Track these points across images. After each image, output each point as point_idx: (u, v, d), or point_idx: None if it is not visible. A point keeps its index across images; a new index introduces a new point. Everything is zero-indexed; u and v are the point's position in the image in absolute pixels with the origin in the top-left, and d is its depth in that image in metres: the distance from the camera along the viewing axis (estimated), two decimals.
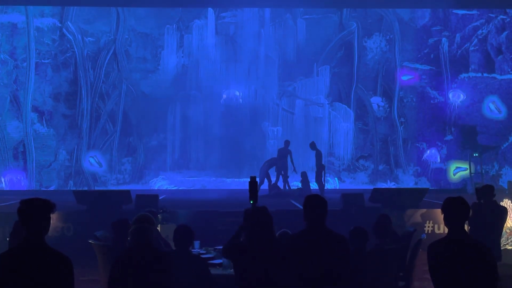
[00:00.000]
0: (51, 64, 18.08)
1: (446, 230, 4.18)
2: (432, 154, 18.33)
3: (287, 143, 16.23)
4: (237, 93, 18.17)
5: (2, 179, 17.71)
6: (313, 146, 15.96)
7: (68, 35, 18.11)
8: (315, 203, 4.53)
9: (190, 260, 5.24)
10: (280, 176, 16.00)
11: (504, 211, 8.30)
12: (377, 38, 18.59)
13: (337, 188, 17.68)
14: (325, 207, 4.50)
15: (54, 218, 10.63)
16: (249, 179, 5.51)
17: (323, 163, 15.93)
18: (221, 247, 7.16)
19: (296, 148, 16.79)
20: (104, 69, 18.20)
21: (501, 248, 9.74)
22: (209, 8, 18.41)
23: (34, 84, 17.92)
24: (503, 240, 10.09)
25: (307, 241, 4.43)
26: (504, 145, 18.35)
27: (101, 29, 18.32)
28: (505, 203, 10.45)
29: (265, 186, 15.73)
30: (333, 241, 4.43)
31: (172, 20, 18.42)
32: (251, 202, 5.14)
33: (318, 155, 15.85)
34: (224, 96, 18.01)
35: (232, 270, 6.11)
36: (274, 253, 4.64)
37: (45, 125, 17.97)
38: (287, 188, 15.92)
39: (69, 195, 12.51)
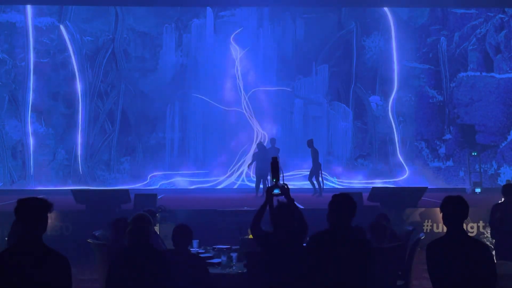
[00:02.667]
0: (49, 63, 18.06)
1: (445, 229, 4.19)
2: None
3: (273, 141, 16.17)
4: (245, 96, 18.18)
5: None
6: (310, 143, 15.87)
7: (67, 34, 18.09)
8: (342, 202, 4.51)
9: (188, 259, 5.24)
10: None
11: None
12: (376, 37, 18.58)
13: (336, 187, 17.67)
14: (353, 207, 4.49)
15: (52, 217, 10.66)
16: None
17: (319, 161, 15.88)
18: (219, 246, 7.20)
19: (295, 147, 16.79)
20: (102, 68, 18.19)
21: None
22: (208, 7, 18.40)
23: (32, 83, 17.90)
24: None
25: (329, 241, 4.43)
26: (503, 144, 18.37)
27: (99, 28, 18.31)
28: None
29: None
30: (356, 242, 4.45)
31: (170, 19, 18.40)
32: (274, 180, 5.20)
33: (315, 153, 15.77)
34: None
35: (230, 269, 6.12)
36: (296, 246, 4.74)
37: (43, 124, 17.96)
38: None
39: (67, 194, 12.51)
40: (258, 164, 15.57)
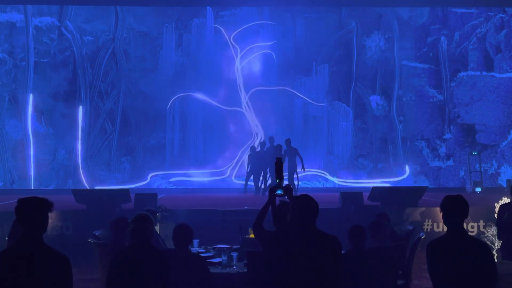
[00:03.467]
0: (49, 63, 18.07)
1: (445, 228, 4.19)
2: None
3: (272, 140, 16.03)
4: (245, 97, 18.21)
5: None
6: (288, 143, 15.68)
7: (67, 34, 18.10)
8: (303, 204, 4.37)
9: (189, 259, 5.23)
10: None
11: None
12: (376, 37, 18.58)
13: (336, 186, 17.68)
14: (314, 207, 4.33)
15: (53, 217, 10.67)
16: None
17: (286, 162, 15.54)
18: (220, 246, 7.21)
19: (295, 147, 16.72)
20: (103, 68, 18.19)
21: (499, 247, 9.73)
22: (208, 7, 18.40)
23: (32, 83, 17.90)
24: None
25: (296, 244, 4.28)
26: (503, 144, 18.37)
27: (99, 28, 18.31)
28: (504, 201, 10.46)
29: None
30: (323, 243, 4.28)
31: (170, 19, 18.40)
32: (277, 180, 5.20)
33: (291, 153, 15.50)
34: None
35: (230, 269, 6.13)
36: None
37: (44, 124, 17.96)
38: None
39: (68, 194, 12.51)
40: (256, 163, 15.61)
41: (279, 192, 5.11)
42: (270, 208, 5.10)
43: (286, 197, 5.12)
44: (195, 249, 6.91)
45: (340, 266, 4.29)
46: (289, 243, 4.31)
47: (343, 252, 5.68)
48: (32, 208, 3.46)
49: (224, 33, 18.36)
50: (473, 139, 18.37)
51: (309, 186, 17.38)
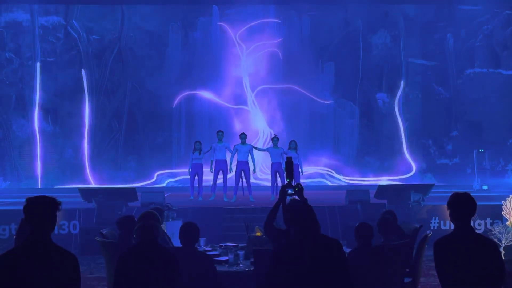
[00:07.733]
0: (56, 62, 18.11)
1: (452, 226, 4.18)
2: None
3: (276, 140, 15.23)
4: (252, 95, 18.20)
5: None
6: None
7: (73, 33, 18.14)
8: (298, 208, 4.34)
9: (196, 257, 5.25)
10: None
11: None
12: (382, 34, 18.53)
13: (342, 184, 17.64)
14: (311, 212, 4.29)
15: (60, 215, 10.71)
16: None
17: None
18: (226, 244, 7.22)
19: (301, 145, 16.72)
20: (109, 67, 18.22)
21: (506, 244, 9.73)
22: (214, 5, 18.40)
23: (39, 82, 17.95)
24: (508, 236, 10.08)
25: (296, 250, 4.18)
26: (510, 141, 18.29)
27: (105, 27, 18.34)
28: None
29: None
30: (326, 247, 4.19)
31: (176, 18, 18.41)
32: (287, 180, 5.25)
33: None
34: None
35: (237, 267, 6.14)
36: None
37: (50, 123, 18.01)
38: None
39: (75, 192, 12.55)
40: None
41: (289, 191, 5.16)
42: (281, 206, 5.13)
43: (296, 196, 5.15)
44: (201, 247, 6.92)
45: (344, 269, 4.22)
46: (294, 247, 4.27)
47: (349, 250, 5.69)
48: (40, 207, 3.47)
49: (230, 31, 18.36)
50: (480, 136, 18.29)
51: (315, 184, 17.37)
